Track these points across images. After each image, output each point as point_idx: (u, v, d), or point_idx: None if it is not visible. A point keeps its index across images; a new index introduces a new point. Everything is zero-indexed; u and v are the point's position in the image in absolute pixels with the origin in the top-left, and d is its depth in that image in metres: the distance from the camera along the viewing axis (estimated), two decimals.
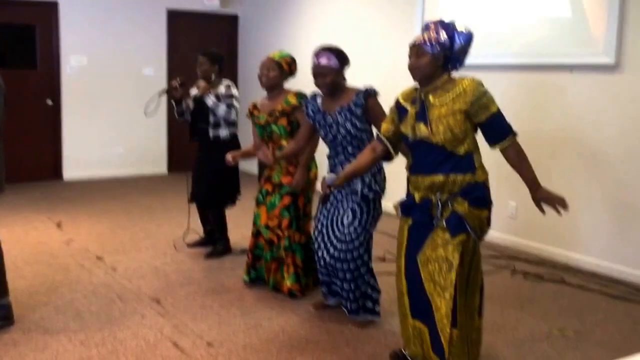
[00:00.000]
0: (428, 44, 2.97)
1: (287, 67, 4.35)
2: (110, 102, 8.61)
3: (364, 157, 3.34)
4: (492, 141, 2.98)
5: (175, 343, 3.60)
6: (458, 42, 2.98)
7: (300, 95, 4.25)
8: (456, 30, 2.99)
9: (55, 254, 5.22)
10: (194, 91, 5.24)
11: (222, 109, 5.00)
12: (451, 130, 2.91)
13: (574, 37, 5.10)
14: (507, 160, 3.01)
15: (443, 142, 2.94)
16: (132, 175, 8.81)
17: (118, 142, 8.76)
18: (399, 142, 3.22)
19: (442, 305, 2.94)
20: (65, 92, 8.36)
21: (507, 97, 5.40)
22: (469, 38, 3.01)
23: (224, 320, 3.95)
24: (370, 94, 3.74)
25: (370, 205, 3.76)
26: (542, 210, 2.95)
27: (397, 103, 3.17)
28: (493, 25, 5.60)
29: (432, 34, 2.98)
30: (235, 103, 5.08)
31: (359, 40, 7.13)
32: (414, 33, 6.45)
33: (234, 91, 5.10)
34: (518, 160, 2.98)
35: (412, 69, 3.03)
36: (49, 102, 8.32)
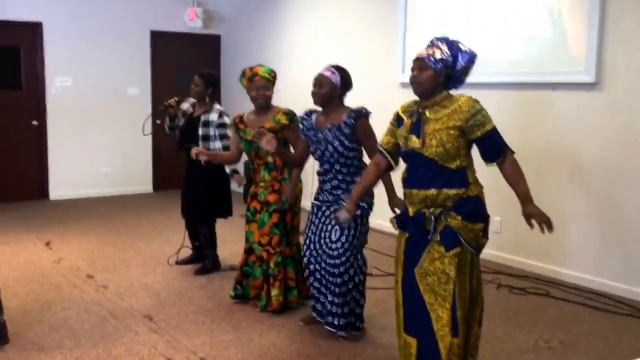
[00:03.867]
0: (432, 59, 3.01)
1: (275, 81, 4.47)
2: (95, 121, 8.64)
3: (370, 174, 3.37)
4: (488, 158, 3.04)
5: (169, 359, 3.64)
6: (461, 61, 3.03)
7: (289, 114, 4.33)
8: (460, 49, 3.04)
9: (46, 273, 5.23)
10: (185, 105, 5.36)
11: (216, 143, 5.10)
12: (443, 145, 2.96)
13: (555, 57, 5.27)
14: (504, 176, 3.06)
15: (434, 155, 2.98)
16: (119, 194, 8.82)
17: (104, 161, 8.78)
18: (398, 154, 3.24)
19: (443, 315, 3.00)
20: (50, 112, 8.37)
21: (490, 115, 5.53)
22: (471, 58, 3.06)
23: (216, 336, 4.00)
24: (360, 115, 3.83)
25: (358, 221, 3.83)
26: (530, 225, 3.02)
27: (397, 115, 3.22)
28: (476, 45, 5.73)
29: (437, 50, 3.03)
30: (228, 132, 5.08)
31: (340, 58, 7.24)
32: (395, 51, 6.61)
33: (226, 119, 5.12)
34: (514, 176, 3.03)
35: (413, 82, 3.08)
36: (35, 122, 8.32)
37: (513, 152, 3.06)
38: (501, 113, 5.66)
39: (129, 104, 8.86)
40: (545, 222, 2.96)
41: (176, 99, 5.38)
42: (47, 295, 4.68)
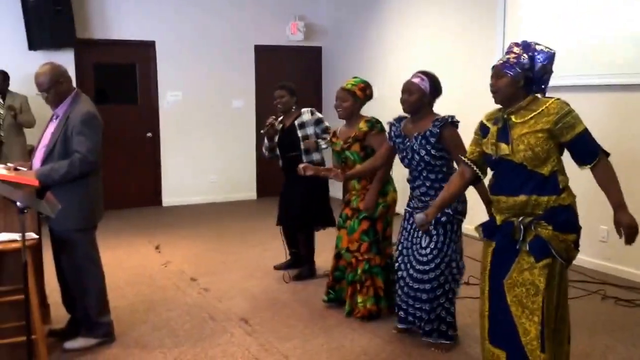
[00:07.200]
0: (506, 65, 2.95)
1: (361, 93, 4.46)
2: (203, 133, 9.09)
3: (454, 184, 3.31)
4: (580, 161, 2.92)
5: None
6: (539, 62, 2.94)
7: (370, 122, 4.39)
8: (536, 50, 2.96)
9: (153, 276, 5.54)
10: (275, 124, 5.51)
11: (322, 142, 5.26)
12: (532, 149, 2.87)
13: None
14: (596, 180, 2.92)
15: (523, 160, 2.90)
16: (224, 200, 9.21)
17: (211, 170, 9.21)
18: (485, 164, 3.18)
19: (531, 328, 2.90)
20: (162, 124, 8.89)
21: (589, 118, 5.26)
22: (549, 57, 2.96)
23: (308, 340, 4.08)
24: (445, 124, 3.76)
25: (447, 228, 3.80)
26: (619, 233, 2.86)
27: (481, 124, 3.16)
28: (577, 47, 5.54)
29: (512, 55, 2.97)
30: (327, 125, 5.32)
31: (439, 64, 7.19)
32: (495, 57, 6.46)
33: (319, 115, 5.35)
34: (606, 181, 2.88)
35: (493, 90, 3.03)
36: (149, 134, 8.86)
37: (607, 155, 2.91)
38: (603, 116, 5.43)
39: (234, 115, 9.25)
40: (631, 235, 2.80)
41: (274, 117, 5.42)
42: (153, 297, 4.96)
